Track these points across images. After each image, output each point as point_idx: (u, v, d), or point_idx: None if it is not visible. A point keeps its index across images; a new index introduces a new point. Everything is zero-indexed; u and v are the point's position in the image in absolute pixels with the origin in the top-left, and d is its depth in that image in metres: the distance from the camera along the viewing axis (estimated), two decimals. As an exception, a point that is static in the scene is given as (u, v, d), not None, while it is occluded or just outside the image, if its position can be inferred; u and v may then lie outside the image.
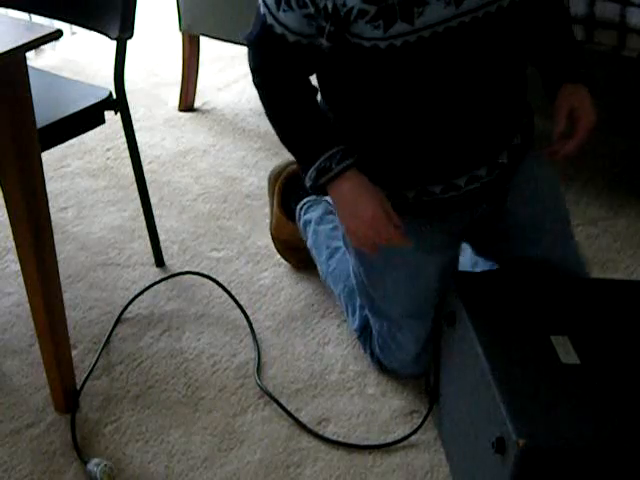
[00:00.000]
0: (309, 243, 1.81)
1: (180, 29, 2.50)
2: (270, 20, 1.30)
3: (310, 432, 1.53)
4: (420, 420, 1.53)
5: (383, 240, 1.36)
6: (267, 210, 2.16)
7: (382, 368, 1.64)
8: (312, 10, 1.25)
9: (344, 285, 1.71)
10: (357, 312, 1.68)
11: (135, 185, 1.88)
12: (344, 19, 1.24)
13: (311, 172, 1.36)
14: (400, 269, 1.50)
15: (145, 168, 1.91)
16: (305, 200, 1.87)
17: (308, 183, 1.38)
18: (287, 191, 1.92)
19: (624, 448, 1.16)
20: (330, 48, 1.31)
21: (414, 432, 1.51)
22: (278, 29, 1.30)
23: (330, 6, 1.23)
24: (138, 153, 1.83)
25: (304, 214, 1.85)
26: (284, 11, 1.27)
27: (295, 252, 1.93)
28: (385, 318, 1.57)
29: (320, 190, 1.38)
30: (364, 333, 1.67)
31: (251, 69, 1.44)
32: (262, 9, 1.31)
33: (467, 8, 1.23)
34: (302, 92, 1.39)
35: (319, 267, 1.80)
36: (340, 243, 1.75)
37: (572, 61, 1.46)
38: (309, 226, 1.82)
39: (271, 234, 1.96)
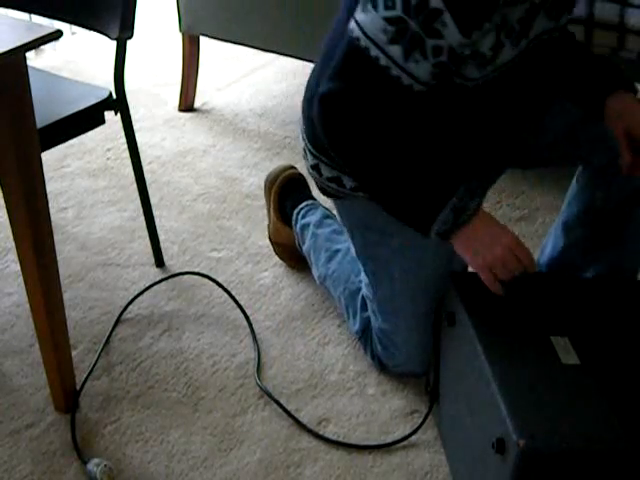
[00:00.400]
0: (306, 246, 1.81)
1: (180, 29, 2.50)
2: (396, 72, 1.25)
3: (310, 432, 1.53)
4: (420, 420, 1.53)
5: (525, 261, 1.32)
6: (266, 211, 2.16)
7: (383, 368, 1.64)
8: (445, 58, 1.25)
9: (344, 287, 1.71)
10: (358, 314, 1.68)
11: (135, 185, 1.88)
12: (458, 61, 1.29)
13: (446, 214, 1.29)
14: (409, 257, 1.53)
15: (145, 168, 1.91)
16: (303, 204, 1.87)
17: (440, 229, 1.30)
18: (283, 196, 1.92)
19: (624, 448, 1.16)
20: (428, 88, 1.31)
21: (414, 432, 1.51)
22: (406, 80, 1.26)
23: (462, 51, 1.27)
24: (138, 153, 1.83)
25: (302, 218, 1.85)
26: (416, 62, 1.24)
27: (293, 255, 1.93)
28: (391, 315, 1.58)
29: (447, 234, 1.31)
30: (365, 335, 1.67)
31: (340, 133, 1.33)
32: (383, 61, 1.25)
33: (526, 46, 1.35)
34: (416, 137, 1.34)
35: (316, 270, 1.79)
36: (340, 246, 1.75)
37: (607, 71, 1.47)
38: (307, 229, 1.82)
39: (269, 238, 1.96)
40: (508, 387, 1.23)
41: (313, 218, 1.83)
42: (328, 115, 1.32)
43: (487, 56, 1.30)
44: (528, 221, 2.10)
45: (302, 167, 1.78)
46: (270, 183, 1.94)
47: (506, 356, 1.29)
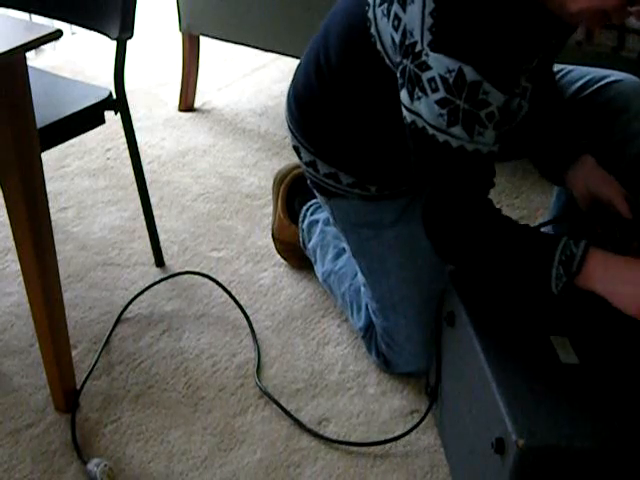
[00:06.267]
0: (313, 243, 1.82)
1: (180, 29, 2.50)
2: (471, 147, 1.25)
3: (310, 432, 1.53)
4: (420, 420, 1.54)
5: None
6: (267, 210, 2.16)
7: (388, 366, 1.65)
8: (499, 117, 1.25)
9: (350, 284, 1.72)
10: (363, 310, 1.68)
11: (135, 185, 1.88)
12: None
13: (555, 271, 1.26)
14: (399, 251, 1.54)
15: (145, 168, 1.91)
16: (313, 201, 1.88)
17: (558, 286, 1.27)
18: (291, 194, 1.92)
19: (624, 448, 1.16)
20: None
21: (412, 429, 1.51)
22: (484, 149, 1.26)
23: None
24: (138, 153, 1.83)
25: (311, 215, 1.86)
26: (480, 134, 1.24)
27: (295, 254, 1.93)
28: (390, 312, 1.58)
29: (571, 288, 1.27)
30: (369, 331, 1.67)
31: (450, 216, 1.31)
32: (454, 143, 1.24)
33: None
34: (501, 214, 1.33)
35: (321, 267, 1.80)
36: None
37: (568, 141, 1.50)
38: (315, 226, 1.83)
39: (272, 235, 1.96)
40: (507, 387, 1.23)
41: (322, 215, 1.84)
42: (437, 219, 1.32)
43: (518, 118, 1.34)
44: (528, 221, 2.10)
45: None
46: (280, 179, 1.95)
47: (506, 356, 1.29)
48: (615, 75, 1.57)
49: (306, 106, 1.53)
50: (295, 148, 1.60)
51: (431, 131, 1.24)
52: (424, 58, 1.20)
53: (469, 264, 1.35)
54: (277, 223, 1.94)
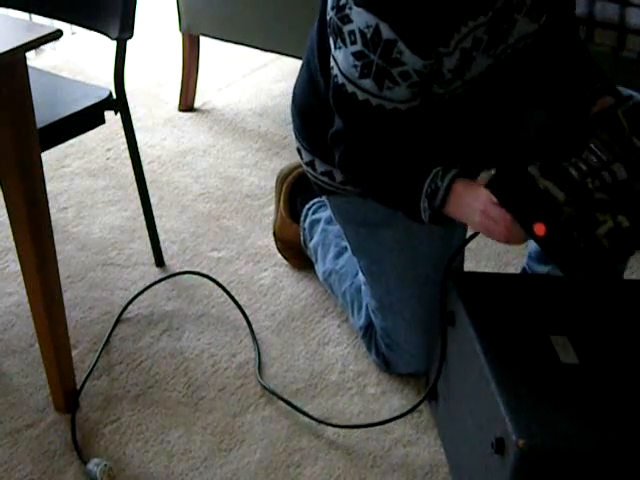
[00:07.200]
0: (314, 241, 1.82)
1: (180, 29, 2.50)
2: (376, 101, 1.31)
3: (317, 427, 1.53)
4: (420, 420, 1.54)
5: (501, 224, 1.29)
6: (267, 210, 2.16)
7: (387, 366, 1.65)
8: (416, 78, 1.29)
9: (351, 282, 1.72)
10: (363, 309, 1.68)
11: (135, 185, 1.88)
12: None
13: (422, 203, 1.34)
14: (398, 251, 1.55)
15: (145, 168, 1.91)
16: (315, 200, 1.89)
17: (426, 216, 1.35)
18: (294, 192, 1.93)
19: (623, 448, 1.16)
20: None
21: (409, 411, 1.51)
22: (388, 105, 1.32)
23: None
24: (138, 153, 1.83)
25: (312, 214, 1.86)
26: (390, 89, 1.29)
27: (295, 253, 1.93)
28: (388, 311, 1.58)
29: (439, 217, 1.35)
30: (369, 331, 1.67)
31: (347, 154, 1.41)
32: (360, 95, 1.31)
33: (503, 51, 1.38)
34: (397, 147, 1.40)
35: (322, 266, 1.80)
36: None
37: (590, 78, 1.48)
38: (317, 225, 1.83)
39: (274, 233, 1.96)
40: (508, 387, 1.23)
41: (324, 214, 1.84)
42: (338, 151, 1.41)
43: (446, 77, 1.33)
44: (528, 221, 2.10)
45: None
46: (283, 178, 1.96)
47: (506, 356, 1.29)
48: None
49: (300, 106, 1.57)
50: (298, 150, 1.62)
51: (341, 80, 1.31)
52: (347, 12, 1.25)
53: (367, 190, 1.45)
54: (279, 221, 1.94)
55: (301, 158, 1.62)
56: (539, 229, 1.23)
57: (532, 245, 1.73)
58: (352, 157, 1.41)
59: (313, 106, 1.51)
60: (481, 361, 1.28)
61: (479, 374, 1.28)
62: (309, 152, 1.57)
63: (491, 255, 1.99)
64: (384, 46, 1.24)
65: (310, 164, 1.58)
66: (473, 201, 1.30)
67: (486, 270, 1.93)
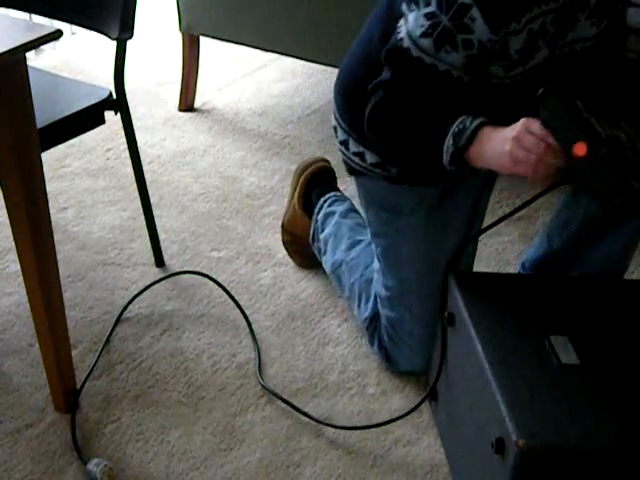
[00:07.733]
0: (327, 232, 1.83)
1: (180, 29, 2.50)
2: (430, 60, 1.32)
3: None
4: (420, 420, 1.54)
5: (541, 152, 1.25)
6: (267, 210, 2.16)
7: (387, 361, 1.65)
8: (476, 51, 1.30)
9: (361, 274, 1.73)
10: (371, 301, 1.69)
11: (135, 185, 1.88)
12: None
13: (447, 141, 1.31)
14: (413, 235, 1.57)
15: (145, 168, 1.91)
16: (332, 194, 1.90)
17: (448, 155, 1.32)
18: (311, 185, 1.94)
19: (624, 448, 1.16)
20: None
21: (410, 412, 1.51)
22: (441, 66, 1.32)
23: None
24: (138, 153, 1.83)
25: (328, 206, 1.87)
26: (447, 52, 1.30)
27: (300, 249, 1.93)
28: (397, 301, 1.59)
29: (460, 161, 1.32)
30: (374, 323, 1.67)
31: (383, 101, 1.40)
32: (415, 52, 1.32)
33: (560, 48, 1.38)
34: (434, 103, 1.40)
35: (331, 257, 1.80)
36: (363, 237, 1.79)
37: None
38: (332, 217, 1.85)
39: (282, 225, 1.96)
40: (507, 387, 1.23)
41: (340, 208, 1.86)
42: (374, 98, 1.40)
43: (513, 58, 1.33)
44: (528, 221, 2.11)
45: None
46: (301, 170, 1.96)
47: (506, 356, 1.29)
48: None
49: (344, 84, 1.59)
50: (334, 128, 1.64)
51: (402, 36, 1.33)
52: None
53: (389, 138, 1.44)
54: (290, 213, 1.95)
55: (336, 137, 1.64)
56: (580, 149, 1.22)
57: (527, 255, 1.73)
58: (387, 105, 1.40)
59: (360, 80, 1.50)
60: (481, 361, 1.28)
61: (479, 374, 1.28)
62: (345, 131, 1.59)
63: (491, 255, 1.99)
64: (457, 9, 1.25)
65: (344, 143, 1.61)
66: (505, 133, 1.27)
67: (486, 270, 1.93)
